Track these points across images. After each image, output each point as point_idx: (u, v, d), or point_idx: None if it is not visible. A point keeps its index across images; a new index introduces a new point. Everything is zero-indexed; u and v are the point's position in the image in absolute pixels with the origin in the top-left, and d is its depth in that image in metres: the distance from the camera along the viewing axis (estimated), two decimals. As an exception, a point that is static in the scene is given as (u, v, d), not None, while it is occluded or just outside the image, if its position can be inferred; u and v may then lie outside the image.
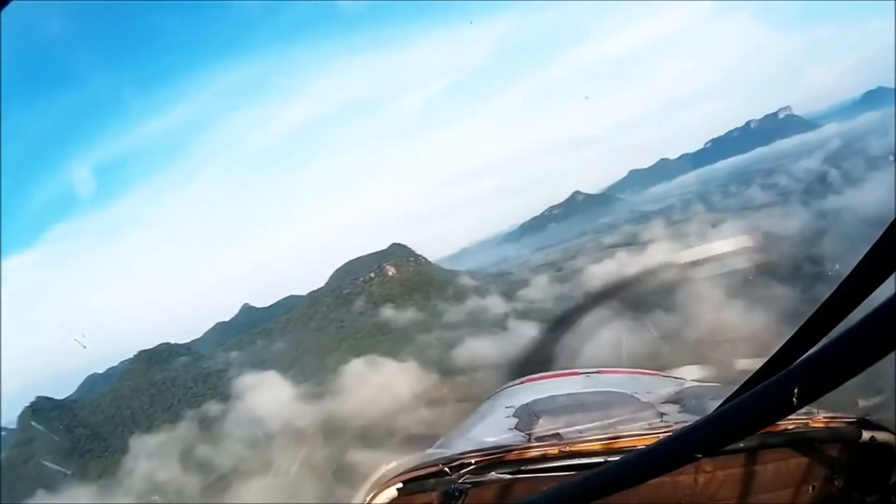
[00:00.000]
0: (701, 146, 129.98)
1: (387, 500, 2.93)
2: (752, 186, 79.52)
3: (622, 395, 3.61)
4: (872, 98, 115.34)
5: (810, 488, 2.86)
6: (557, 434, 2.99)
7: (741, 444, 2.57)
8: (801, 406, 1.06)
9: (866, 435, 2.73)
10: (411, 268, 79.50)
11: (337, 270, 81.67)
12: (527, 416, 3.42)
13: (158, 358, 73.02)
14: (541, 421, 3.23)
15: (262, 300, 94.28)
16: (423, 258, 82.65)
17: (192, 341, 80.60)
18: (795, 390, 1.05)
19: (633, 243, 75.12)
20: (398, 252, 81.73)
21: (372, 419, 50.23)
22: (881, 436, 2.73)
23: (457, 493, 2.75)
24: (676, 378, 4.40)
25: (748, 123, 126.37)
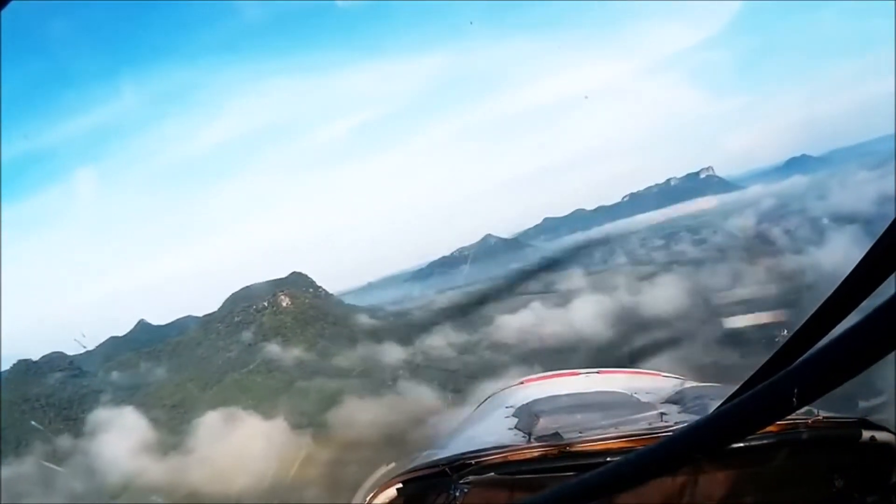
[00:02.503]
0: (618, 199, 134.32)
1: (387, 500, 3.19)
2: (679, 242, 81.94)
3: (622, 395, 3.83)
4: (797, 164, 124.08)
5: (810, 488, 3.11)
6: (557, 434, 3.18)
7: (741, 444, 2.73)
8: (801, 406, 1.13)
9: (866, 435, 2.99)
10: (307, 300, 78.20)
11: (232, 295, 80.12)
12: (527, 416, 3.60)
13: (38, 370, 69.81)
14: (541, 421, 3.39)
15: (160, 317, 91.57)
16: (323, 290, 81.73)
17: (83, 353, 76.64)
18: (795, 390, 1.12)
19: (547, 291, 76.17)
20: (297, 281, 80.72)
21: (220, 482, 48.88)
22: (881, 436, 3.00)
23: (457, 493, 2.97)
24: (676, 378, 4.78)
25: (668, 181, 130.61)
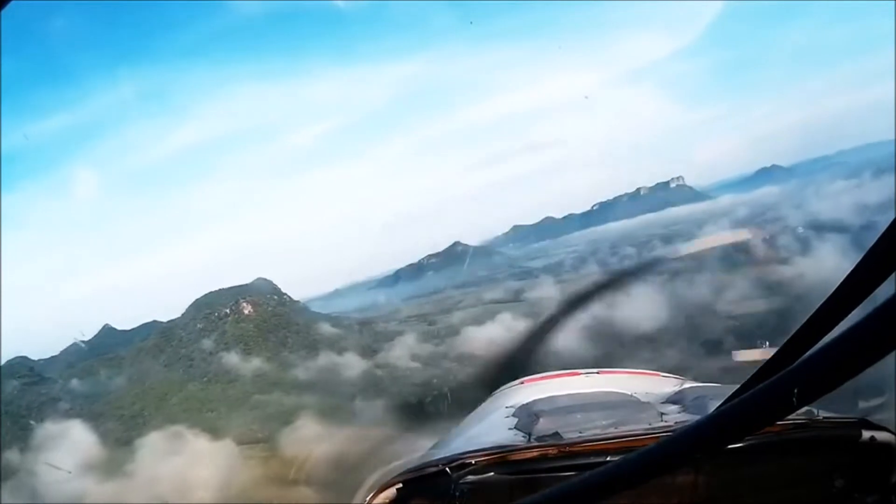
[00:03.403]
0: (588, 208, 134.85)
1: (387, 500, 3.25)
2: (652, 250, 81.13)
3: (622, 395, 3.90)
4: (767, 175, 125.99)
5: (810, 488, 3.17)
6: (557, 434, 3.26)
7: (741, 444, 2.78)
8: (801, 406, 1.18)
9: (866, 435, 3.05)
10: (270, 308, 77.36)
11: (196, 301, 78.91)
12: (527, 416, 3.68)
13: (-2, 376, 67.38)
14: (541, 421, 3.47)
15: (126, 322, 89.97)
16: (288, 297, 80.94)
17: (49, 358, 76.37)
18: (795, 390, 1.16)
19: (516, 300, 75.93)
20: (262, 287, 79.86)
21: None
22: (881, 436, 3.07)
23: (457, 493, 3.04)
24: (676, 378, 4.85)
25: (638, 190, 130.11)
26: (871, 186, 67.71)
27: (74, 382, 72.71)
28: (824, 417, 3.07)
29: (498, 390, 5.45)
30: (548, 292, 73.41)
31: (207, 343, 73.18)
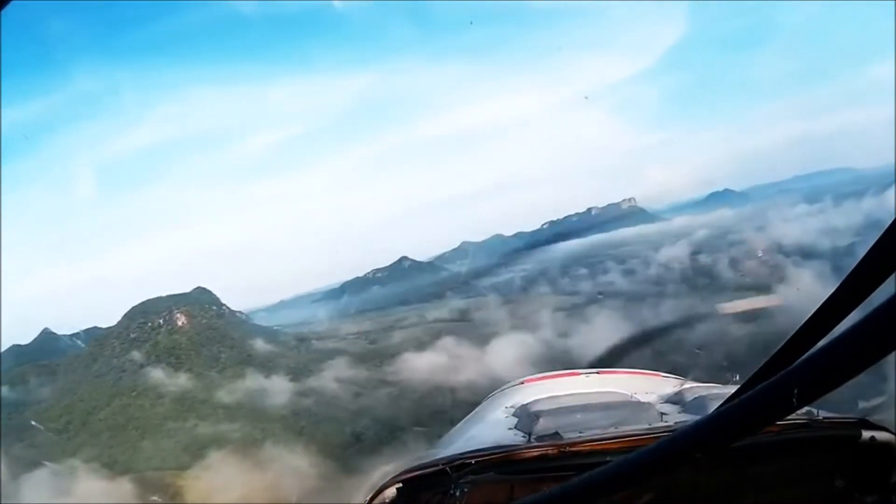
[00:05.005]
0: (538, 226, 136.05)
1: (387, 500, 3.35)
2: (606, 272, 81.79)
3: (622, 395, 4.01)
4: (720, 198, 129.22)
5: (810, 488, 3.27)
6: (557, 434, 3.35)
7: (741, 444, 2.58)
8: (801, 406, 1.20)
9: (866, 435, 3.16)
10: (205, 320, 76.17)
11: (132, 308, 77.49)
12: (527, 416, 3.77)
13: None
14: (541, 421, 3.56)
15: (67, 326, 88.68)
16: (227, 308, 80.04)
17: None
18: (795, 390, 1.18)
19: (461, 320, 75.99)
20: (200, 298, 78.53)
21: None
22: (881, 436, 3.18)
23: (457, 493, 3.10)
24: (676, 378, 4.97)
25: (589, 210, 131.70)
26: (833, 212, 70.18)
27: (6, 389, 70.53)
28: (824, 417, 3.21)
29: (498, 390, 5.55)
30: (495, 313, 73.32)
31: (138, 355, 71.62)
